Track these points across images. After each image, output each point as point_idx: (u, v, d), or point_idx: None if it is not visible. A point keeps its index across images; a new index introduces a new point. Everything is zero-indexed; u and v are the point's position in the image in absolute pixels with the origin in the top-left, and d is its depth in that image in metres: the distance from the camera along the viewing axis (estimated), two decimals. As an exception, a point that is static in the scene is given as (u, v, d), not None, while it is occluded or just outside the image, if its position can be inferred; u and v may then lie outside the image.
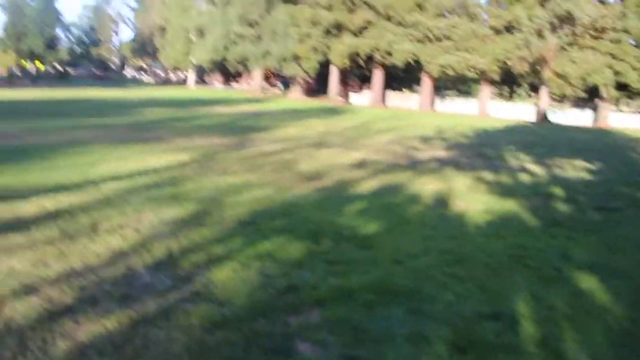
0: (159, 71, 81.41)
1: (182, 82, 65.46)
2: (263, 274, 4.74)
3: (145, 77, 78.19)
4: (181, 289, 4.40)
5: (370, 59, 42.56)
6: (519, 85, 50.16)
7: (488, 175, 11.27)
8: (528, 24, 37.98)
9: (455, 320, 4.04)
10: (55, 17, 69.98)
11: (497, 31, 39.96)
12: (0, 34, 68.48)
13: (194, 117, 22.01)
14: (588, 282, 5.06)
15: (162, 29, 61.94)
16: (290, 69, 45.80)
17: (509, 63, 39.13)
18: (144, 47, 74.42)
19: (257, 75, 52.04)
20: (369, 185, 9.26)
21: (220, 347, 3.49)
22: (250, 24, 45.82)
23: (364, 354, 3.50)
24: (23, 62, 63.41)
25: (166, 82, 70.11)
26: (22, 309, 3.86)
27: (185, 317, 3.86)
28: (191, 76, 62.53)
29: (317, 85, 51.38)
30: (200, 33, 51.81)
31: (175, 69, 66.43)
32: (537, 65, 40.48)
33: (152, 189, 7.93)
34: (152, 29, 66.79)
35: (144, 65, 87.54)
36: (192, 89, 55.19)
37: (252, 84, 54.40)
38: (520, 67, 39.54)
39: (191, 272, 4.75)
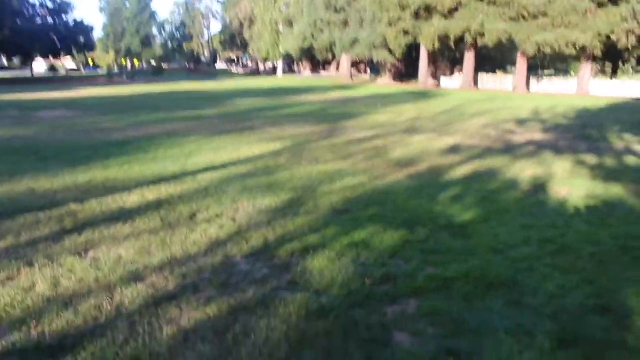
0: (248, 62, 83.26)
1: (271, 71, 66.64)
2: (359, 263, 4.75)
3: (235, 69, 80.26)
4: (278, 277, 4.48)
5: (461, 40, 41.36)
6: (625, 61, 47.12)
7: (590, 159, 10.68)
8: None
9: (559, 313, 3.86)
10: (150, 16, 73.45)
11: (600, 4, 37.62)
12: (100, 34, 72.69)
13: (284, 106, 22.34)
14: None
15: (251, 21, 63.26)
16: (379, 55, 45.41)
17: (614, 37, 36.77)
18: (234, 40, 76.30)
19: (345, 61, 52.00)
20: (463, 171, 9.03)
21: (319, 336, 3.53)
22: (337, 11, 45.79)
23: (464, 347, 3.42)
24: (122, 60, 66.92)
25: (256, 72, 71.67)
26: (130, 296, 4.09)
27: (283, 306, 3.93)
28: (280, 66, 63.52)
29: (407, 70, 50.61)
30: (288, 23, 52.45)
31: (265, 59, 67.70)
32: (645, 39, 37.78)
33: (247, 179, 8.13)
34: (241, 22, 68.30)
35: (234, 57, 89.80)
36: (281, 78, 56.06)
37: (340, 70, 54.46)
38: (626, 41, 37.04)
39: (287, 260, 4.83)
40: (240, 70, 78.87)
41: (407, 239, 5.35)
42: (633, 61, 45.81)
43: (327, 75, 60.93)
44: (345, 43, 44.67)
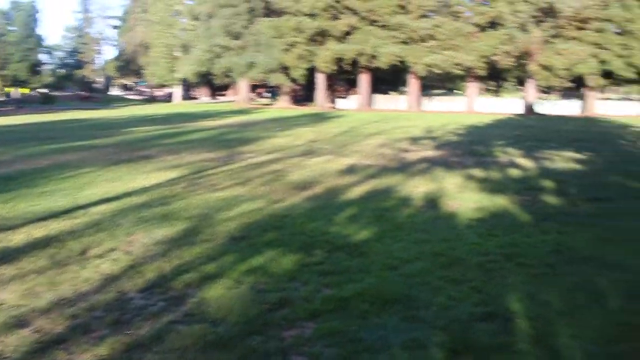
0: (144, 89, 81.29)
1: (169, 98, 65.35)
2: (256, 290, 4.72)
3: (131, 96, 78.07)
4: (174, 310, 4.37)
5: (355, 63, 42.65)
6: (506, 79, 50.39)
7: (478, 173, 11.29)
8: (512, 18, 38.24)
9: (450, 324, 4.03)
10: (37, 42, 70.02)
11: (482, 28, 40.18)
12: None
13: (182, 133, 21.96)
14: (582, 276, 5.06)
15: (146, 47, 61.94)
16: (276, 79, 45.86)
17: (495, 58, 39.33)
18: (129, 66, 74.27)
19: (243, 86, 52.03)
20: (359, 191, 9.25)
21: (214, 368, 3.47)
22: (234, 36, 45.87)
23: (360, 365, 3.48)
24: (7, 88, 63.27)
25: (152, 99, 69.95)
26: (12, 343, 3.82)
27: (179, 339, 3.83)
28: (177, 92, 62.48)
29: (305, 93, 51.44)
30: (184, 48, 51.83)
31: (161, 85, 66.35)
32: (522, 59, 40.71)
33: (142, 210, 7.88)
34: (136, 47, 66.73)
35: (130, 84, 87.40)
36: (178, 105, 55.12)
37: (239, 95, 54.39)
38: (506, 62, 39.74)
39: (184, 292, 4.73)
40: (136, 97, 76.76)
41: (304, 261, 5.39)
42: (513, 80, 49.07)
43: (226, 100, 60.64)
44: (242, 67, 44.72)
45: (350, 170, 11.54)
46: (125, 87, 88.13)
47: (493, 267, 5.27)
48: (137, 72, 73.31)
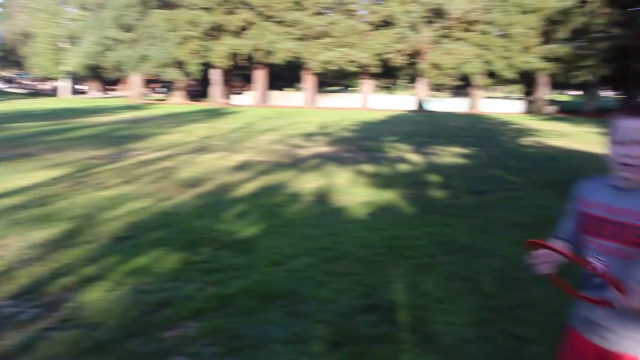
0: (27, 82, 76.47)
1: (55, 92, 61.89)
2: (138, 291, 4.57)
3: (12, 89, 73.13)
4: (48, 317, 4.13)
5: (251, 59, 42.44)
6: (399, 77, 52.08)
7: (369, 168, 11.59)
8: (404, 18, 39.56)
9: (332, 317, 4.09)
10: None
11: (375, 26, 41.25)
12: None
13: (68, 129, 20.86)
14: (459, 265, 5.33)
15: (29, 37, 58.25)
16: (170, 74, 44.69)
17: (388, 56, 40.54)
18: (9, 57, 69.48)
19: (136, 81, 50.26)
20: (250, 187, 9.21)
21: (88, 374, 3.32)
22: (126, 28, 44.19)
23: (241, 362, 3.46)
24: None
25: (36, 93, 65.93)
26: None
27: (51, 347, 3.63)
28: (64, 86, 59.31)
29: (200, 89, 50.54)
30: (72, 39, 49.27)
31: (46, 78, 62.64)
32: (414, 58, 42.29)
33: (19, 211, 7.40)
34: (17, 37, 62.54)
35: (10, 76, 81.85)
36: (66, 99, 52.33)
37: (131, 90, 52.51)
38: (398, 60, 41.08)
39: (60, 297, 4.48)
40: (19, 90, 71.98)
41: (189, 260, 5.28)
42: (405, 78, 50.85)
43: (118, 95, 58.34)
44: (134, 61, 43.19)
45: (243, 166, 11.46)
46: (5, 80, 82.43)
47: (377, 259, 5.42)
48: (19, 64, 68.72)
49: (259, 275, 4.90)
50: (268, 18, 40.57)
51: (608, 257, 1.90)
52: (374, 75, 45.44)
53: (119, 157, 12.84)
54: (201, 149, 14.41)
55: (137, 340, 3.73)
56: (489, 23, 40.16)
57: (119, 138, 17.51)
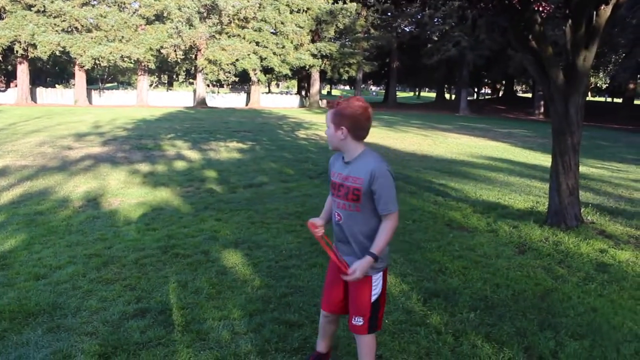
0: None
1: None
2: None
3: None
4: None
5: (11, 51, 38.27)
6: (177, 73, 51.17)
7: (144, 167, 11.24)
8: (178, 13, 38.82)
9: (100, 327, 3.90)
10: None
11: (149, 21, 39.88)
12: None
13: None
14: (232, 259, 5.43)
15: None
16: None
17: (163, 52, 39.53)
18: None
19: None
20: (9, 195, 8.34)
21: None
22: None
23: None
24: None
25: None
26: None
27: None
28: None
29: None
30: None
31: None
32: (190, 53, 41.87)
33: None
34: None
35: None
36: None
37: None
38: (174, 55, 40.31)
39: None
40: None
41: None
42: (184, 74, 50.22)
43: None
44: None
45: (2, 172, 10.33)
46: None
47: (149, 261, 5.29)
48: None
49: (17, 292, 4.47)
50: (28, 7, 36.79)
51: (342, 211, 2.90)
52: (150, 71, 44.04)
53: None
54: (-52, 156, 12.67)
55: None
56: (262, 20, 41.33)
57: None
